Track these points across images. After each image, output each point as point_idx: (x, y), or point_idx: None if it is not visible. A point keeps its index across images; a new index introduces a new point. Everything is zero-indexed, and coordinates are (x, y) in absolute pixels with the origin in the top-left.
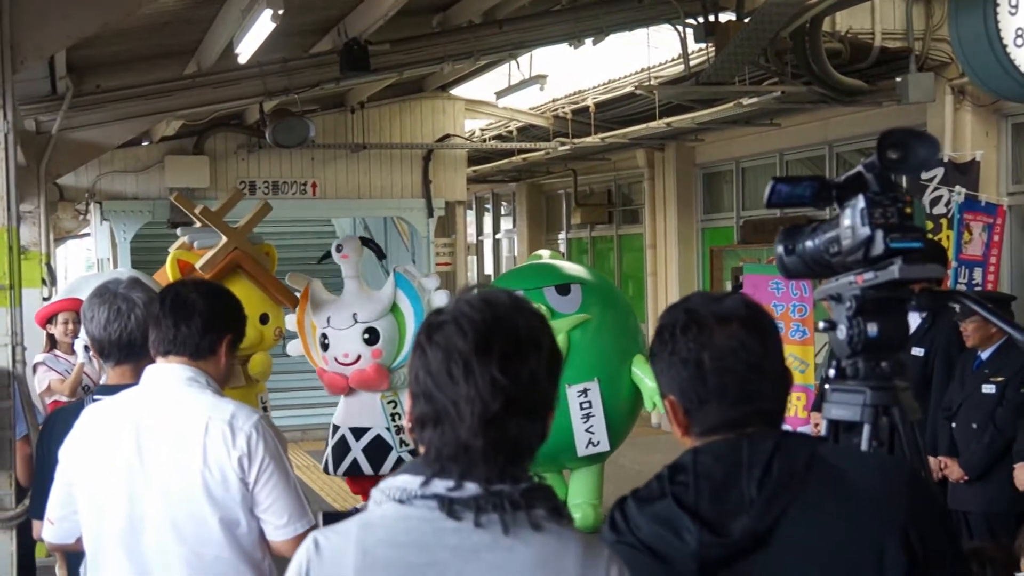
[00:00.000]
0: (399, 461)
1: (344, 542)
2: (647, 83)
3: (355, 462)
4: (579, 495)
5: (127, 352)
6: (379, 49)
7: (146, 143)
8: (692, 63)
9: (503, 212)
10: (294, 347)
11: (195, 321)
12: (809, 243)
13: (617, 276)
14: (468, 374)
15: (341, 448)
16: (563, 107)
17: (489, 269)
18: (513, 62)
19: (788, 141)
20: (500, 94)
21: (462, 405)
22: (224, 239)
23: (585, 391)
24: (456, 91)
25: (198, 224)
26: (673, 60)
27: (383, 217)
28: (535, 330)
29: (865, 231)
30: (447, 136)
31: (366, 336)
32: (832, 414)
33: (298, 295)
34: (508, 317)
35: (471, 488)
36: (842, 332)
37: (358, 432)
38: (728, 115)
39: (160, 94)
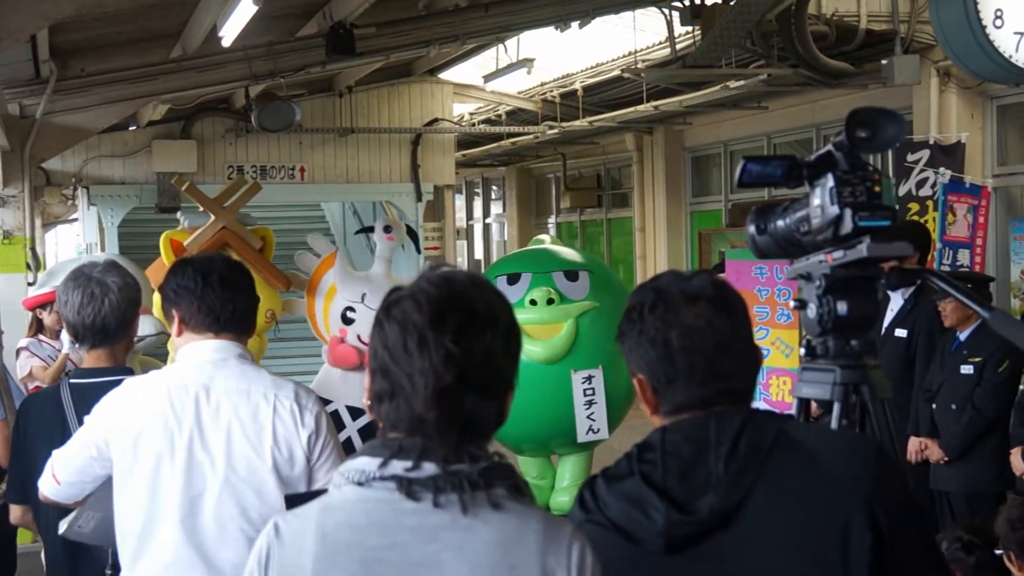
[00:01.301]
0: None
1: (304, 526)
2: (634, 66)
3: (349, 440)
4: (568, 479)
5: (101, 336)
6: (365, 33)
7: (133, 128)
8: (679, 46)
9: (493, 196)
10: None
11: (242, 297)
12: (780, 222)
13: (607, 260)
14: (423, 346)
15: (336, 423)
16: (551, 91)
17: (480, 254)
18: (500, 46)
19: (776, 124)
20: (488, 78)
21: (416, 377)
22: (212, 218)
23: (590, 378)
24: (444, 75)
25: (201, 209)
26: (660, 43)
27: (372, 202)
28: (492, 307)
29: (834, 210)
30: (435, 120)
31: None
32: (802, 392)
33: (316, 261)
34: (465, 292)
35: (429, 468)
36: (812, 311)
37: (355, 412)
38: (715, 98)
39: (145, 78)
